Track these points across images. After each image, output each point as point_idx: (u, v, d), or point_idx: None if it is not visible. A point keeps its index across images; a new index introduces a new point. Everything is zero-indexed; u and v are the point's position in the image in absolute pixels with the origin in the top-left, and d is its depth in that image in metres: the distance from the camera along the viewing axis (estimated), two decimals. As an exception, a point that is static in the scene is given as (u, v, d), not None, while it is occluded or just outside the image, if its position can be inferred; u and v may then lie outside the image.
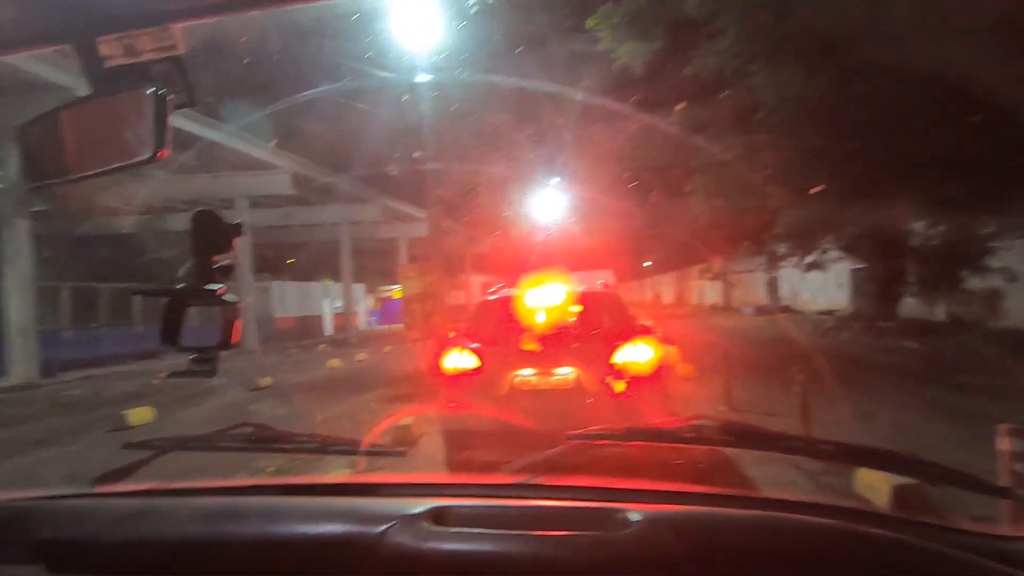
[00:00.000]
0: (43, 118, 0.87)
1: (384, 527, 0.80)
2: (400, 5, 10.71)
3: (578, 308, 4.14)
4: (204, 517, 0.90)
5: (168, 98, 0.80)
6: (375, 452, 1.26)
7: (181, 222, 17.10)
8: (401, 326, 20.67)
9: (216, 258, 0.95)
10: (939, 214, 10.95)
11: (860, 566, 0.79)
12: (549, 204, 19.01)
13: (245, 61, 10.86)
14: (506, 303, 4.30)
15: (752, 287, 26.63)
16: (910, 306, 13.74)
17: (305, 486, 1.10)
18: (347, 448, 1.25)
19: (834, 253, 14.46)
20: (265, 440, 1.30)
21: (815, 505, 0.96)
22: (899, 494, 2.87)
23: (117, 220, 17.53)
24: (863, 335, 12.65)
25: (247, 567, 0.82)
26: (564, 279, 4.21)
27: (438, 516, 0.83)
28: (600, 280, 6.18)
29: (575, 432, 1.13)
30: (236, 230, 0.96)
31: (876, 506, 2.79)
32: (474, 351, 4.03)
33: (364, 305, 30.93)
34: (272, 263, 24.38)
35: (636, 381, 3.77)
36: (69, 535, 0.89)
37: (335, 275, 25.74)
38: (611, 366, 3.82)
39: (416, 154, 13.95)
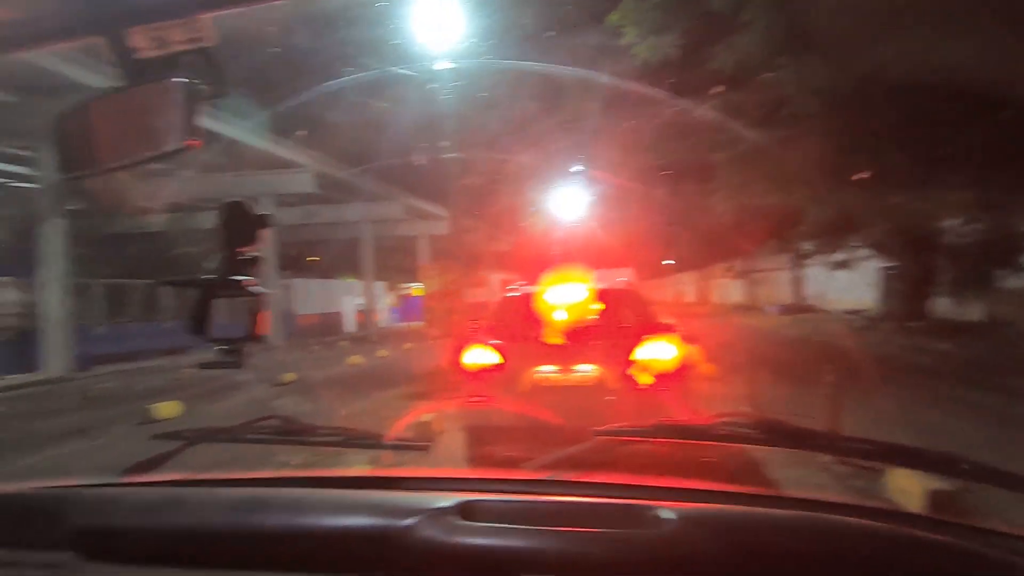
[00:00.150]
0: (76, 110, 0.88)
1: (412, 520, 0.80)
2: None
3: (599, 305, 4.11)
4: (232, 508, 0.90)
5: (198, 89, 0.80)
6: (399, 446, 1.26)
7: (208, 220, 17.49)
8: (421, 323, 20.85)
9: (243, 250, 0.96)
10: (974, 210, 10.59)
11: (901, 569, 0.77)
12: (568, 202, 18.93)
13: (265, 56, 10.98)
14: (527, 300, 4.30)
15: (776, 286, 26.17)
16: (942, 306, 13.35)
17: (331, 478, 1.10)
18: (372, 442, 1.25)
19: (863, 251, 14.12)
20: (290, 433, 1.31)
21: (853, 506, 0.93)
22: (933, 497, 2.79)
23: (146, 218, 18.00)
24: (893, 335, 12.33)
25: (274, 558, 0.82)
26: (584, 276, 4.18)
27: (466, 510, 0.82)
28: (620, 278, 6.13)
29: (602, 428, 1.11)
30: (263, 222, 0.97)
31: (912, 509, 2.72)
32: (495, 347, 4.04)
33: (385, 302, 31.22)
34: (295, 261, 24.76)
35: (658, 379, 3.73)
36: (101, 523, 0.91)
37: (357, 273, 26.05)
38: (632, 363, 3.79)
39: (440, 144, 14.02)
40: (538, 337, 3.87)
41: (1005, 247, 11.16)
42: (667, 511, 0.80)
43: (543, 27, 10.62)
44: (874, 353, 9.66)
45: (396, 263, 28.51)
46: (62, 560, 0.85)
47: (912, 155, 7.92)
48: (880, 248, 14.09)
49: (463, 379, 4.10)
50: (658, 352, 3.89)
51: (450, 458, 3.16)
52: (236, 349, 0.97)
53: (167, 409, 6.87)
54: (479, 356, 4.05)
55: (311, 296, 24.40)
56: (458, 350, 4.21)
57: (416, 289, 26.40)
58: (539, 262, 6.48)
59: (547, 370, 3.88)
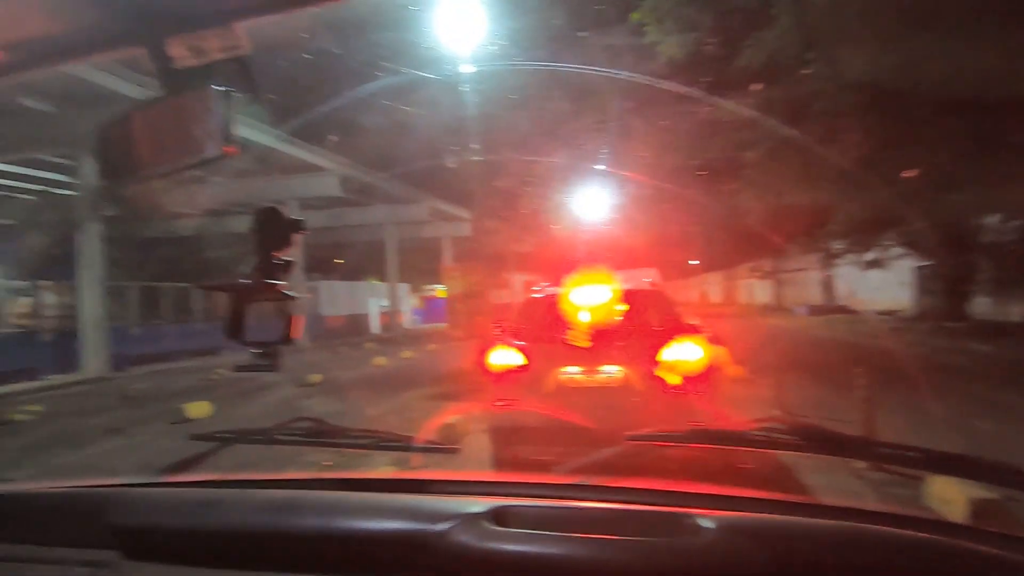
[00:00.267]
0: (117, 120, 0.90)
1: (446, 525, 0.79)
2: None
3: (624, 306, 4.07)
4: (267, 509, 0.91)
5: (234, 96, 0.82)
6: (429, 448, 1.26)
7: (236, 224, 17.87)
8: (445, 325, 20.96)
9: (278, 254, 0.97)
10: (1017, 206, 10.18)
11: None
12: (592, 202, 18.82)
13: (292, 62, 11.18)
14: (551, 301, 4.28)
15: (805, 286, 25.59)
16: (981, 306, 12.87)
17: (363, 481, 1.11)
18: (401, 444, 1.25)
19: (896, 249, 13.71)
20: (322, 434, 1.32)
21: (896, 516, 0.90)
22: (977, 506, 2.68)
23: (177, 223, 18.49)
24: (929, 336, 11.92)
25: (310, 560, 0.83)
26: (608, 277, 4.15)
27: (499, 516, 0.81)
28: (645, 279, 6.06)
29: (634, 433, 1.09)
30: (297, 226, 0.98)
31: (956, 519, 2.62)
32: (520, 348, 4.03)
33: (409, 304, 31.49)
34: (321, 263, 25.13)
35: (684, 381, 3.68)
36: (142, 522, 0.93)
37: (381, 274, 26.33)
38: (658, 365, 3.74)
39: (464, 146, 14.06)
40: (563, 338, 3.85)
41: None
42: (706, 519, 0.78)
43: (569, 27, 10.59)
44: (910, 355, 9.36)
45: (420, 265, 28.73)
46: (104, 558, 0.87)
47: (952, 149, 7.64)
48: (915, 246, 13.66)
49: (488, 380, 4.10)
50: (684, 354, 3.83)
51: (479, 461, 3.16)
52: (271, 352, 0.99)
53: (198, 409, 7.04)
54: (504, 357, 4.05)
55: (336, 298, 24.74)
56: (483, 351, 4.21)
57: (439, 291, 26.58)
58: (563, 263, 6.45)
59: (572, 371, 3.86)
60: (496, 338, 4.27)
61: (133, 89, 10.63)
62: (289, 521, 0.88)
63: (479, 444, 3.34)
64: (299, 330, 0.99)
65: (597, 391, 3.79)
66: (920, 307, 15.28)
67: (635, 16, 8.94)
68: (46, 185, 16.93)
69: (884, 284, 17.85)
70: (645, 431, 1.10)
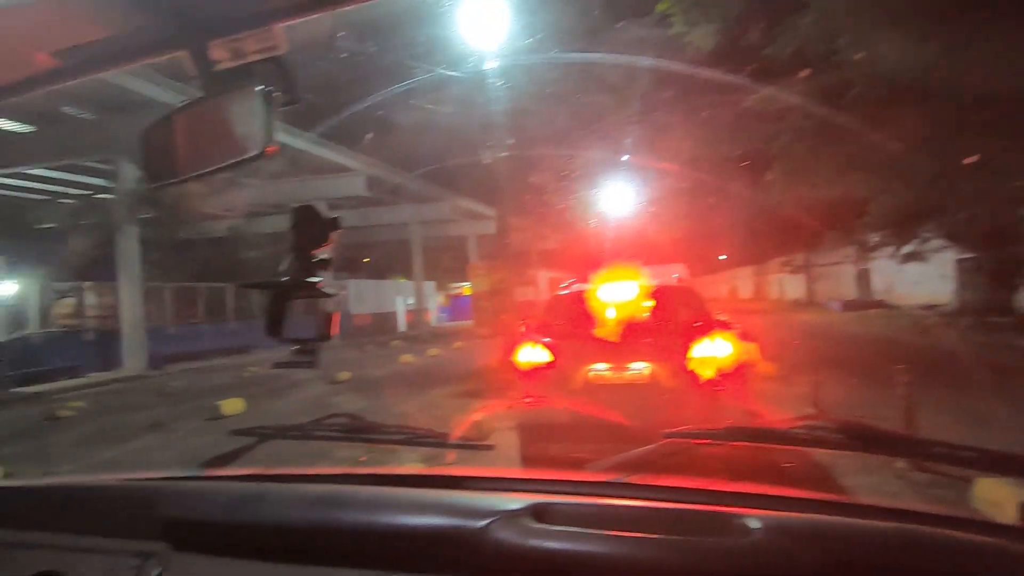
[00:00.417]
0: (159, 123, 0.92)
1: (486, 522, 0.79)
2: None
3: (652, 302, 4.02)
4: (310, 504, 0.92)
5: (273, 96, 0.83)
6: (464, 445, 1.26)
7: (268, 225, 18.28)
8: (471, 322, 21.05)
9: (316, 252, 0.98)
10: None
11: None
12: (618, 197, 18.63)
13: (321, 61, 11.33)
14: (578, 298, 4.25)
15: (838, 280, 24.86)
16: (1027, 299, 12.33)
17: (403, 476, 1.12)
18: (436, 440, 1.26)
19: (936, 241, 13.20)
20: (357, 430, 1.33)
21: (945, 517, 0.86)
22: (1029, 509, 2.57)
23: (211, 225, 18.99)
24: (973, 332, 11.47)
25: (352, 555, 0.84)
26: (636, 273, 4.10)
27: (539, 513, 0.81)
28: (674, 274, 5.98)
29: (671, 430, 1.07)
30: (334, 224, 0.99)
31: (1006, 520, 2.51)
32: (547, 345, 4.01)
33: (435, 302, 31.74)
34: (349, 262, 25.52)
35: (714, 377, 3.62)
36: (189, 515, 0.95)
37: (407, 273, 26.60)
38: (687, 361, 3.69)
39: (490, 144, 14.06)
40: (591, 335, 3.82)
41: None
42: (753, 519, 0.76)
43: (595, 21, 10.49)
44: (951, 351, 9.02)
45: (445, 263, 28.94)
46: (153, 549, 0.90)
47: (998, 136, 7.31)
48: (956, 238, 13.13)
49: (515, 377, 4.10)
50: (713, 350, 3.76)
51: (514, 458, 3.15)
52: (309, 349, 1.00)
53: (232, 406, 7.23)
54: (532, 354, 4.04)
55: (364, 296, 25.10)
56: (510, 348, 4.21)
57: (465, 288, 26.71)
58: (589, 259, 6.41)
59: (600, 368, 3.83)
60: (524, 335, 4.26)
61: (166, 94, 10.95)
62: (330, 516, 0.89)
63: (512, 441, 3.34)
64: (336, 327, 1.00)
65: (626, 388, 3.75)
66: (962, 301, 14.70)
67: (661, 7, 8.80)
68: (87, 190, 17.59)
69: (923, 278, 17.20)
70: (682, 428, 1.08)
